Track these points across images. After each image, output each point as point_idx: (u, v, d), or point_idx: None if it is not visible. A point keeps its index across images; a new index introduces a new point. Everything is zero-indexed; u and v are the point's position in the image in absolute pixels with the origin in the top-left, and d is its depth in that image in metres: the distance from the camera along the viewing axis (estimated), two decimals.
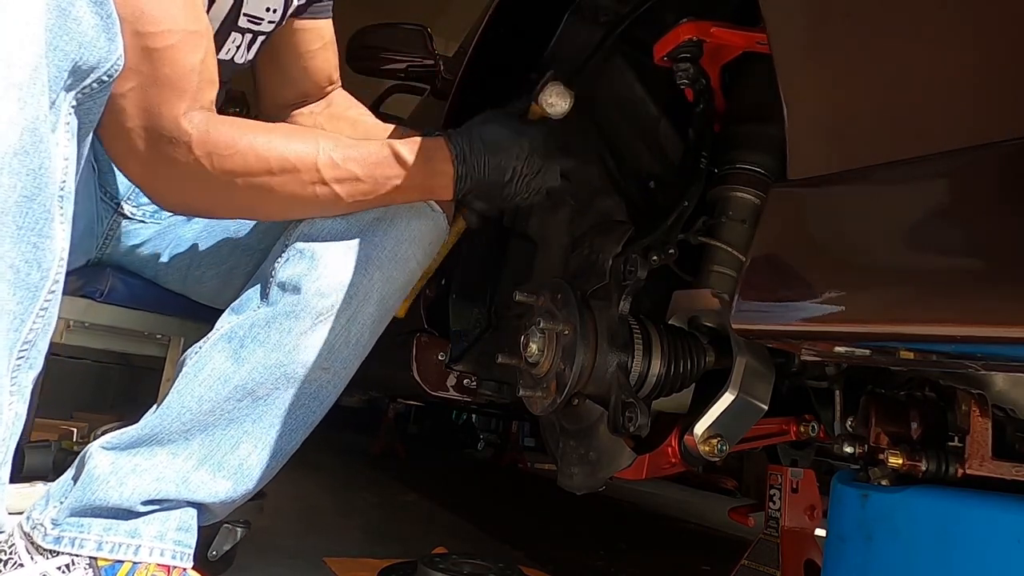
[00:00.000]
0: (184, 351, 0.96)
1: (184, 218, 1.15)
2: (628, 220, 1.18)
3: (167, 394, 0.91)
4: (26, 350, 0.69)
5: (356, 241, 0.95)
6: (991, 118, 0.52)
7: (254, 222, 1.13)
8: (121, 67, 0.72)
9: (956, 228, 0.55)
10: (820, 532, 1.16)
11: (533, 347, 1.04)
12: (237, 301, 0.97)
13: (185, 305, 1.20)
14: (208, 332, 0.95)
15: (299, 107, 1.24)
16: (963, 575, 0.63)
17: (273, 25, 1.15)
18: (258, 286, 0.96)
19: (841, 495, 0.75)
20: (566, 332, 0.99)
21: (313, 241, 0.95)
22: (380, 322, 0.99)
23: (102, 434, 0.91)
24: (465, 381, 1.40)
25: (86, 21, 0.68)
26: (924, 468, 0.71)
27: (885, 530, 0.69)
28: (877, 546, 0.69)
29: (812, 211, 0.67)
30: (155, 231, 1.14)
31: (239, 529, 1.26)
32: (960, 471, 0.70)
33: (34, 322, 0.69)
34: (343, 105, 1.27)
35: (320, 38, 1.20)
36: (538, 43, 1.32)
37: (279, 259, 0.96)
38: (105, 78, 0.71)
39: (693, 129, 1.04)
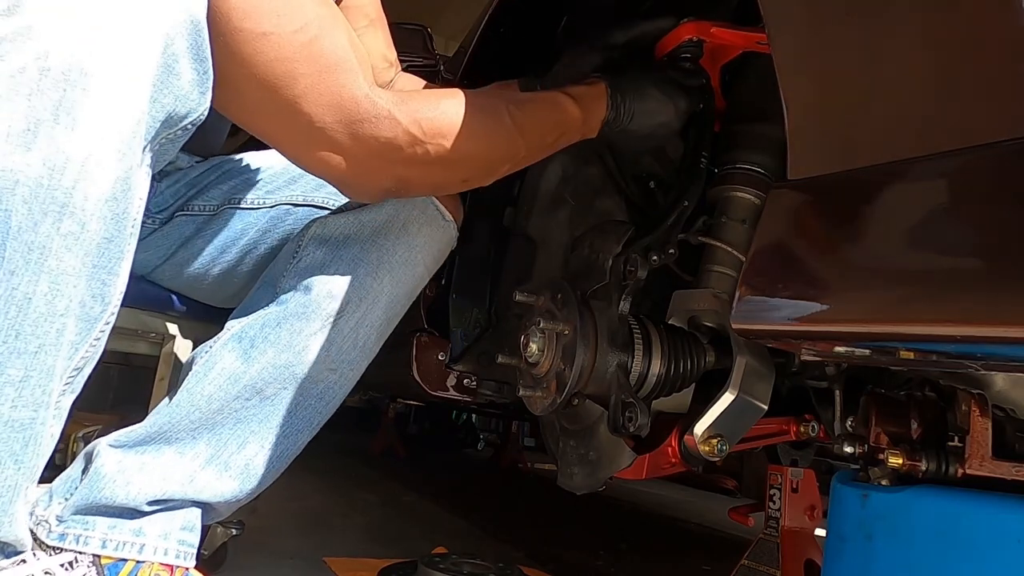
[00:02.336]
0: (176, 349, 0.95)
1: (178, 215, 1.13)
2: (628, 220, 1.18)
3: (176, 392, 0.91)
4: (74, 376, 0.70)
5: (368, 244, 0.96)
6: (991, 118, 0.52)
7: (252, 220, 1.11)
8: (205, 117, 0.73)
9: (956, 228, 0.55)
10: (820, 532, 1.16)
11: (533, 347, 1.04)
12: (247, 301, 0.98)
13: (178, 303, 1.18)
14: (203, 331, 0.95)
15: None
16: (963, 575, 0.63)
17: None
18: (269, 287, 0.97)
19: (841, 495, 0.75)
20: (566, 332, 0.99)
21: (325, 243, 0.96)
22: (387, 325, 0.99)
23: (83, 438, 0.91)
24: (465, 381, 1.40)
25: (186, 76, 0.69)
26: (924, 468, 0.71)
27: (885, 530, 0.69)
28: (877, 546, 0.69)
29: (812, 211, 0.67)
30: (147, 228, 1.12)
31: (232, 530, 1.26)
32: (960, 471, 0.70)
33: (87, 351, 0.70)
34: (411, 88, 1.19)
35: (365, 16, 1.12)
36: (538, 42, 1.32)
37: (291, 260, 0.96)
38: (190, 126, 0.72)
39: (693, 129, 1.04)
